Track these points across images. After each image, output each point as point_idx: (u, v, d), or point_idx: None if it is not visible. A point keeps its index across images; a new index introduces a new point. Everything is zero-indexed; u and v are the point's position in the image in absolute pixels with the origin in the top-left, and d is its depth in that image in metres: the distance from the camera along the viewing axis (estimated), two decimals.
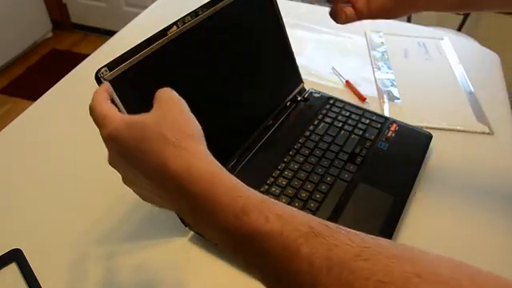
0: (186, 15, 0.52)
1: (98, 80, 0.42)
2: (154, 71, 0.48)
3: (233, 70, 0.60)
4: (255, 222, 0.28)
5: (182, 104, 0.35)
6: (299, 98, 0.73)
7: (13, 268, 0.50)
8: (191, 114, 0.35)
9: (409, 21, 1.73)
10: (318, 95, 0.74)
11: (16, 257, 0.51)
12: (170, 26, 0.50)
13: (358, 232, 0.27)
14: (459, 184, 0.62)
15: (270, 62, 0.68)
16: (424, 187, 0.61)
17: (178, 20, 0.51)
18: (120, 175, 0.38)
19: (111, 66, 0.43)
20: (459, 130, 0.72)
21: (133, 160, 0.33)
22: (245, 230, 0.28)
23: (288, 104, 0.71)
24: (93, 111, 0.37)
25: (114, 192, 0.59)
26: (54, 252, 0.52)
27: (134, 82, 0.45)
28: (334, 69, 0.85)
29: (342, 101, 0.73)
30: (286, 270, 0.27)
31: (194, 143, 0.33)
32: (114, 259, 0.52)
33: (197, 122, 0.35)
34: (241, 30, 0.62)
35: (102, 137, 0.35)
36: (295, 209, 0.29)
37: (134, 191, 0.38)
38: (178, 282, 0.50)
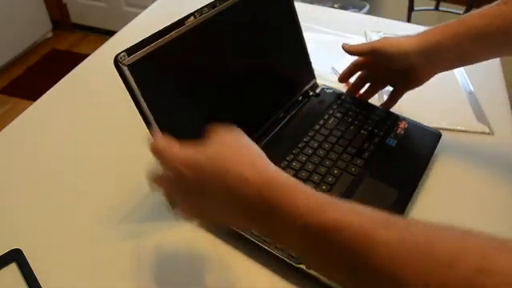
0: (204, 6, 0.53)
1: (117, 64, 0.43)
2: (170, 59, 0.50)
3: (247, 62, 0.62)
4: (334, 216, 0.31)
5: (240, 133, 0.40)
6: (311, 94, 0.73)
7: (13, 268, 0.50)
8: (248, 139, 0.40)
9: (409, 21, 1.73)
10: (329, 91, 0.75)
11: (16, 257, 0.51)
12: (188, 17, 0.51)
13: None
14: (459, 184, 0.63)
15: (283, 56, 0.69)
16: (425, 185, 0.61)
17: (195, 11, 0.52)
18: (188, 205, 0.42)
19: (130, 51, 0.44)
20: (459, 130, 0.72)
21: (205, 183, 0.37)
22: (324, 224, 0.31)
23: (300, 98, 0.71)
24: (158, 150, 0.40)
25: (114, 192, 0.59)
26: (53, 252, 0.52)
27: (151, 68, 0.47)
28: (333, 69, 0.85)
29: (352, 97, 0.73)
30: (365, 258, 0.29)
31: (263, 159, 0.38)
32: (114, 259, 0.52)
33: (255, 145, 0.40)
34: (256, 23, 0.63)
35: (169, 167, 0.39)
36: (365, 207, 0.32)
37: (196, 214, 0.42)
38: (184, 264, 0.50)
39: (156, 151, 0.40)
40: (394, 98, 0.70)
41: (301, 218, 0.32)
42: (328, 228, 0.31)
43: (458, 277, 0.25)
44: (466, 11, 1.69)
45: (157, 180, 0.42)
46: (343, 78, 0.72)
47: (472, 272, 0.25)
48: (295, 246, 0.34)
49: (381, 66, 0.66)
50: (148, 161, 0.42)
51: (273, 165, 0.37)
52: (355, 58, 0.70)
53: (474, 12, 0.59)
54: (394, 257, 0.28)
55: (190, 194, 0.39)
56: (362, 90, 0.73)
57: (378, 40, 0.65)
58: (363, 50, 0.66)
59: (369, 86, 0.72)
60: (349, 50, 0.67)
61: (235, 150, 0.37)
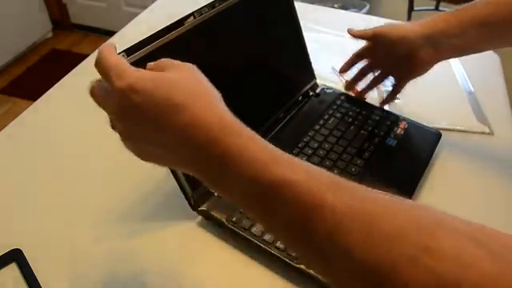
0: (203, 7, 0.53)
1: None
2: (170, 59, 0.49)
3: (247, 62, 0.62)
4: (283, 171, 0.29)
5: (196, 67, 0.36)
6: (311, 94, 0.73)
7: (13, 268, 0.50)
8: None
9: (409, 21, 1.73)
10: (329, 91, 0.75)
11: (16, 257, 0.51)
12: (187, 17, 0.51)
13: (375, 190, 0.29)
14: (459, 184, 0.62)
15: (283, 56, 0.69)
16: (425, 186, 0.61)
17: (195, 11, 0.52)
18: (119, 131, 0.37)
19: (129, 51, 0.44)
20: (459, 130, 0.72)
21: (155, 113, 0.32)
22: (273, 177, 0.29)
23: (300, 98, 0.72)
24: (102, 62, 0.34)
25: (113, 192, 0.59)
26: (54, 252, 0.52)
27: None
28: (333, 69, 0.85)
29: (353, 97, 0.73)
30: (310, 219, 0.27)
31: (222, 104, 0.34)
32: (114, 259, 0.52)
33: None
34: (256, 23, 0.63)
35: (116, 87, 0.33)
36: (321, 169, 0.31)
37: (133, 148, 0.36)
38: (184, 264, 0.50)
39: (104, 64, 0.34)
40: (395, 90, 0.69)
41: (249, 169, 0.30)
42: (275, 184, 0.29)
43: (402, 253, 0.24)
44: None
45: (97, 94, 0.37)
46: (345, 69, 0.71)
47: (417, 250, 0.24)
48: (238, 198, 0.32)
49: (383, 53, 0.65)
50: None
51: (228, 111, 0.33)
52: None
53: (479, 0, 0.58)
54: (338, 222, 0.26)
55: (131, 121, 0.34)
56: (363, 85, 0.73)
57: (381, 25, 0.65)
58: (367, 34, 0.65)
59: (370, 80, 0.72)
60: (353, 33, 0.66)
61: (194, 86, 0.33)
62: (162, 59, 0.37)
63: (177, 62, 0.36)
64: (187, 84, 0.33)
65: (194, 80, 0.34)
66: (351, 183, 0.29)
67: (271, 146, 0.32)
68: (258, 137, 0.32)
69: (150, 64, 0.36)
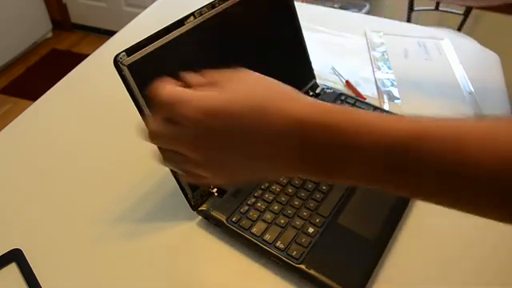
0: (204, 7, 0.53)
1: (117, 64, 0.43)
2: (170, 59, 0.50)
3: (247, 62, 0.61)
4: (407, 124, 0.28)
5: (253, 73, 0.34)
6: (311, 94, 0.73)
7: (13, 268, 0.50)
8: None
9: (409, 21, 1.73)
10: (330, 91, 0.75)
11: (16, 257, 0.51)
12: (187, 17, 0.51)
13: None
14: None
15: (283, 56, 0.69)
16: None
17: (195, 11, 0.52)
18: (196, 164, 0.34)
19: (130, 51, 0.44)
20: None
21: (240, 127, 0.30)
22: (398, 135, 0.27)
23: None
24: (161, 93, 0.32)
25: (113, 192, 0.59)
26: (54, 252, 0.52)
27: (150, 68, 0.47)
28: (333, 69, 0.85)
29: (353, 97, 0.74)
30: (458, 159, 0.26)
31: (300, 94, 0.32)
32: (114, 259, 0.52)
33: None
34: (256, 23, 0.63)
35: (187, 118, 0.30)
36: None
37: (220, 174, 0.34)
38: (184, 264, 0.50)
39: (162, 98, 0.31)
40: None
41: (386, 134, 0.27)
42: (418, 136, 0.27)
43: None
44: (466, 11, 1.69)
45: (163, 133, 0.33)
46: None
47: None
48: (367, 174, 0.29)
49: None
50: (148, 161, 0.42)
51: (306, 96, 0.31)
52: (355, 58, 0.70)
53: None
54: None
55: (214, 146, 0.31)
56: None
57: None
58: None
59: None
60: None
61: (263, 87, 0.31)
62: (207, 74, 0.34)
63: (227, 73, 0.33)
64: (256, 87, 0.31)
65: (259, 81, 0.32)
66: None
67: (369, 111, 0.30)
68: (350, 108, 0.30)
69: (198, 80, 0.34)
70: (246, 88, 0.31)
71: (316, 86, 0.75)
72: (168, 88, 0.32)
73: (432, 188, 0.29)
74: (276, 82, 0.33)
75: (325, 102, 0.32)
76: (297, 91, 0.32)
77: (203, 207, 0.54)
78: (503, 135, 0.26)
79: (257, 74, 0.33)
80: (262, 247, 0.50)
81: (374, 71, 0.85)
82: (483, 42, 1.09)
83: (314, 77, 0.75)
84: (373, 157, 0.28)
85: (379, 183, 0.30)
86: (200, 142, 0.32)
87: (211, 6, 0.54)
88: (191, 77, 0.34)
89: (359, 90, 0.79)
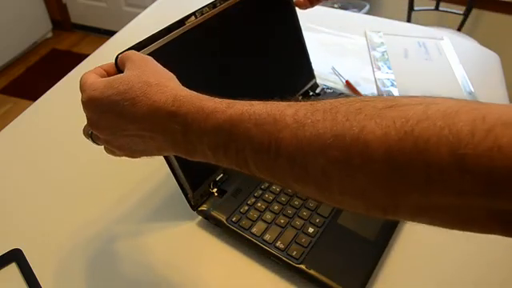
0: (204, 6, 0.53)
1: (117, 64, 0.43)
2: (170, 59, 0.49)
3: (247, 62, 0.62)
4: (241, 107, 0.32)
5: (152, 59, 0.39)
6: (311, 94, 0.73)
7: (13, 268, 0.50)
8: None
9: (409, 21, 1.74)
10: (329, 91, 0.75)
11: (16, 257, 0.51)
12: (188, 17, 0.51)
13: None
14: None
15: (283, 56, 0.69)
16: None
17: (196, 11, 0.52)
18: (102, 139, 0.40)
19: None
20: None
21: (117, 111, 0.35)
22: (234, 114, 0.31)
23: (300, 98, 0.72)
24: (82, 83, 0.39)
25: (113, 192, 0.59)
26: (54, 252, 0.52)
27: None
28: (333, 69, 0.85)
29: (352, 97, 0.73)
30: (275, 133, 0.29)
31: (174, 82, 0.37)
32: (113, 259, 0.52)
33: (169, 72, 0.39)
34: (257, 23, 0.63)
35: (82, 103, 0.37)
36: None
37: (118, 147, 0.40)
38: (184, 264, 0.50)
39: (81, 83, 0.39)
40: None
41: (209, 120, 0.32)
42: (238, 115, 0.31)
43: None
44: (466, 11, 1.69)
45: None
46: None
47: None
48: (212, 155, 0.34)
49: None
50: (148, 161, 0.42)
51: (183, 88, 0.36)
52: (355, 58, 0.70)
53: None
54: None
55: (104, 124, 0.38)
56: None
57: None
58: None
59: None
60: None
61: (145, 78, 0.36)
62: (126, 53, 0.40)
63: (132, 59, 0.39)
64: (139, 78, 0.36)
65: (145, 73, 0.37)
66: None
67: (225, 100, 0.34)
68: (214, 98, 0.34)
69: (120, 57, 0.40)
70: (128, 78, 0.36)
71: (316, 85, 0.75)
72: (83, 75, 0.39)
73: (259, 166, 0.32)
74: (155, 75, 0.37)
75: (186, 92, 0.35)
76: (169, 81, 0.37)
77: (203, 207, 0.54)
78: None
79: (148, 65, 0.38)
80: (262, 247, 0.50)
81: (374, 71, 0.85)
82: (483, 41, 1.09)
83: (313, 77, 0.75)
84: (209, 139, 0.33)
85: (223, 163, 0.34)
86: (93, 122, 0.38)
87: (212, 5, 0.54)
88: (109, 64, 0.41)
89: (359, 89, 0.79)
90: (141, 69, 0.37)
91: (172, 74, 0.38)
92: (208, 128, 0.32)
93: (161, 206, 0.57)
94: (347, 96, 0.73)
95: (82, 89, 0.38)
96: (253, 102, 0.32)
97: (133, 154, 0.39)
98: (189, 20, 0.51)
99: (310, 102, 0.30)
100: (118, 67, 0.40)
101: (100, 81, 0.37)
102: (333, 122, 0.27)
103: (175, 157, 0.49)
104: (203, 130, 0.32)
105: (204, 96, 0.35)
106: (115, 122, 0.36)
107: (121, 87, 0.35)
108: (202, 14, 0.52)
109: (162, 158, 0.48)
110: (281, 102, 0.31)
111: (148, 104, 0.34)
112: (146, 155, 0.39)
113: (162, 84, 0.35)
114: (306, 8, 0.67)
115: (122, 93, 0.35)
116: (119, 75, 0.37)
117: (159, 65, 0.39)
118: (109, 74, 0.41)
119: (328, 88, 0.75)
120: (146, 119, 0.35)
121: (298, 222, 0.52)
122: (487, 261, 0.52)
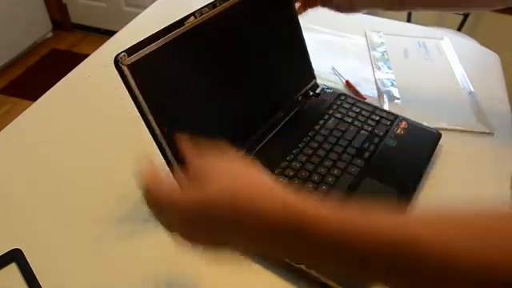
0: (204, 6, 0.53)
1: (117, 64, 0.43)
2: (170, 59, 0.50)
3: (247, 62, 0.62)
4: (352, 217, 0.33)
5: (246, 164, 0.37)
6: (311, 94, 0.73)
7: (13, 268, 0.50)
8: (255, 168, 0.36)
9: (409, 21, 1.73)
10: (329, 91, 0.75)
11: (16, 257, 0.51)
12: (188, 17, 0.51)
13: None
14: (459, 184, 0.62)
15: (283, 56, 0.69)
16: (425, 186, 0.61)
17: (195, 11, 0.52)
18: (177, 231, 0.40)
19: (130, 51, 0.44)
20: (459, 130, 0.72)
21: (222, 226, 0.35)
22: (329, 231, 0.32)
23: (300, 98, 0.72)
24: (154, 196, 0.39)
25: (113, 192, 0.59)
26: (54, 252, 0.52)
27: (151, 68, 0.47)
28: (333, 69, 0.85)
29: (353, 97, 0.74)
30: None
31: (278, 189, 0.34)
32: (114, 259, 0.52)
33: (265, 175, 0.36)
34: (257, 23, 0.63)
35: (173, 213, 0.38)
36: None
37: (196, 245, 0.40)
38: (184, 264, 0.50)
39: (156, 201, 0.39)
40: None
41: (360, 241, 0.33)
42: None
43: None
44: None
45: (165, 224, 0.41)
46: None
47: None
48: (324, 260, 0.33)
49: None
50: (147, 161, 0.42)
51: (288, 192, 0.34)
52: (355, 58, 0.70)
53: None
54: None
55: (200, 233, 0.38)
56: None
57: None
58: None
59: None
60: None
61: (248, 189, 0.34)
62: (198, 165, 0.37)
63: (217, 170, 0.36)
64: (241, 189, 0.34)
65: (246, 181, 0.35)
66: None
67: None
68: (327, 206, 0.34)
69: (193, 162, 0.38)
70: (221, 184, 0.34)
71: (316, 85, 0.75)
72: (164, 189, 0.39)
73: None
74: (255, 181, 0.35)
75: (291, 195, 0.33)
76: (270, 181, 0.35)
77: None
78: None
79: (243, 173, 0.36)
80: None
81: (374, 71, 0.85)
82: (483, 41, 1.09)
83: (314, 77, 0.75)
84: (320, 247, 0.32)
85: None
86: (187, 223, 0.38)
87: (212, 5, 0.54)
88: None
89: (359, 89, 0.79)
90: (239, 180, 0.35)
91: (269, 178, 0.36)
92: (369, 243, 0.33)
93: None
94: (347, 96, 0.73)
95: (172, 203, 0.38)
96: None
97: (216, 248, 0.39)
98: (188, 20, 0.51)
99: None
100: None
101: (191, 195, 0.36)
102: None
103: (174, 155, 0.49)
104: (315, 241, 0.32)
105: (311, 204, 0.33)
106: (213, 231, 0.36)
107: (228, 201, 0.34)
108: (202, 15, 0.52)
109: (161, 158, 0.48)
110: None
111: (258, 217, 0.33)
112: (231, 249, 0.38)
113: (267, 192, 0.34)
114: (300, 13, 0.69)
115: (227, 208, 0.34)
116: (212, 188, 0.35)
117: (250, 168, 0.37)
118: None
119: (328, 88, 0.75)
120: (251, 232, 0.33)
121: None
122: None
